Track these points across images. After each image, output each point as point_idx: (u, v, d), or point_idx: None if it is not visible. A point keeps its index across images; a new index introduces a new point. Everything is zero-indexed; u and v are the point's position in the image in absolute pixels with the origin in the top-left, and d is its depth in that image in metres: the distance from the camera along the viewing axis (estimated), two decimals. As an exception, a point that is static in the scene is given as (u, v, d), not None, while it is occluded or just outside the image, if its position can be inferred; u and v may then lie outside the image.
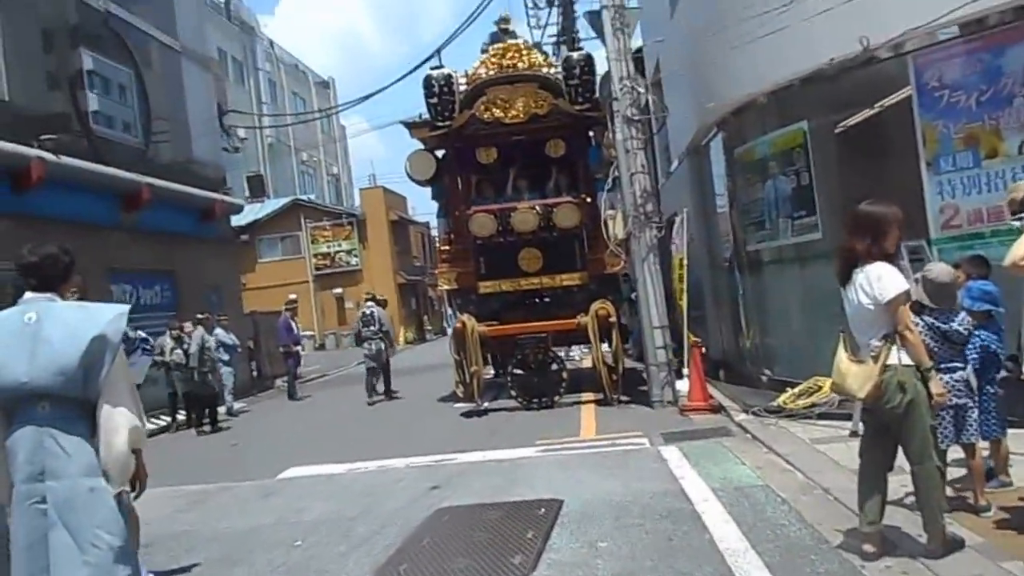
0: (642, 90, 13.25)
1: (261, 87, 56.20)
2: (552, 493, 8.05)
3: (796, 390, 10.96)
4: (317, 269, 48.87)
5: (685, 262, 14.77)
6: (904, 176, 9.92)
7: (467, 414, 14.58)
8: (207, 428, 16.49)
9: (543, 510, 7.38)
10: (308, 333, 44.79)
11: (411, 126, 16.27)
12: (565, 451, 10.48)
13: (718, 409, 12.26)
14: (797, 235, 11.62)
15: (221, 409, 18.50)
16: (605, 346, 14.56)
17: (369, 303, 19.49)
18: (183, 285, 20.98)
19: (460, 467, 10.04)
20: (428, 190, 17.33)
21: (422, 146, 16.55)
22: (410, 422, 14.98)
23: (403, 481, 9.50)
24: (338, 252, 49.14)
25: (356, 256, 48.77)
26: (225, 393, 18.80)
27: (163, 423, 17.70)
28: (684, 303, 14.57)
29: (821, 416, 10.13)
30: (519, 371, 14.72)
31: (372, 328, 18.72)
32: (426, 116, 15.58)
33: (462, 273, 15.76)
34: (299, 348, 22.59)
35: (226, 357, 18.79)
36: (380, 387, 19.07)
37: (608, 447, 10.44)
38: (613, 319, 14.28)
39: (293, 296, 44.70)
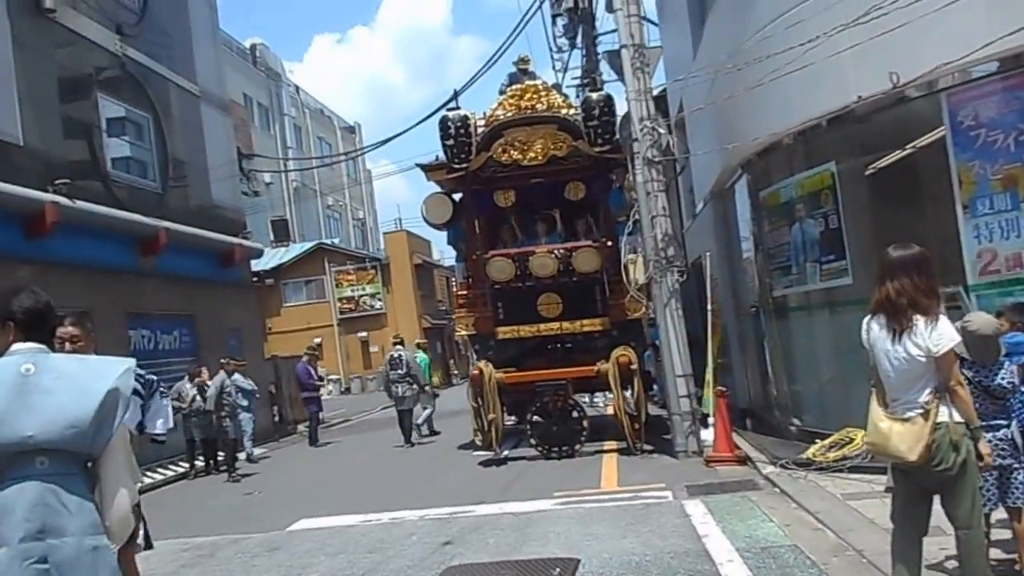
0: (663, 131, 12.95)
1: (287, 132, 56.83)
2: (568, 550, 7.66)
3: (826, 442, 10.48)
4: (342, 313, 48.90)
5: (710, 307, 14.40)
6: (939, 219, 9.50)
7: (485, 463, 14.17)
8: (231, 474, 16.18)
9: (557, 571, 6.96)
10: (333, 377, 44.81)
11: (427, 168, 15.95)
12: (584, 504, 10.03)
13: (744, 460, 11.79)
14: (826, 280, 11.15)
15: (241, 455, 18.33)
16: (628, 393, 14.16)
17: (397, 346, 19.20)
18: (203, 329, 20.76)
19: (475, 520, 9.62)
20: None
21: (439, 189, 16.32)
22: (428, 471, 14.59)
23: (415, 535, 9.11)
24: (362, 296, 49.14)
25: (380, 300, 48.74)
26: (244, 439, 18.54)
27: (182, 470, 17.45)
28: (711, 351, 14.18)
29: (853, 470, 9.64)
30: (538, 419, 14.28)
31: (399, 372, 18.46)
32: (443, 159, 15.29)
33: (480, 318, 15.46)
34: (320, 393, 22.24)
35: (245, 403, 18.55)
36: (425, 429, 19.25)
37: (629, 500, 9.99)
38: (635, 366, 13.88)
39: (318, 340, 45.17)
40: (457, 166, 14.96)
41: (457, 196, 16.22)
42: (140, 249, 18.31)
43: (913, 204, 10.34)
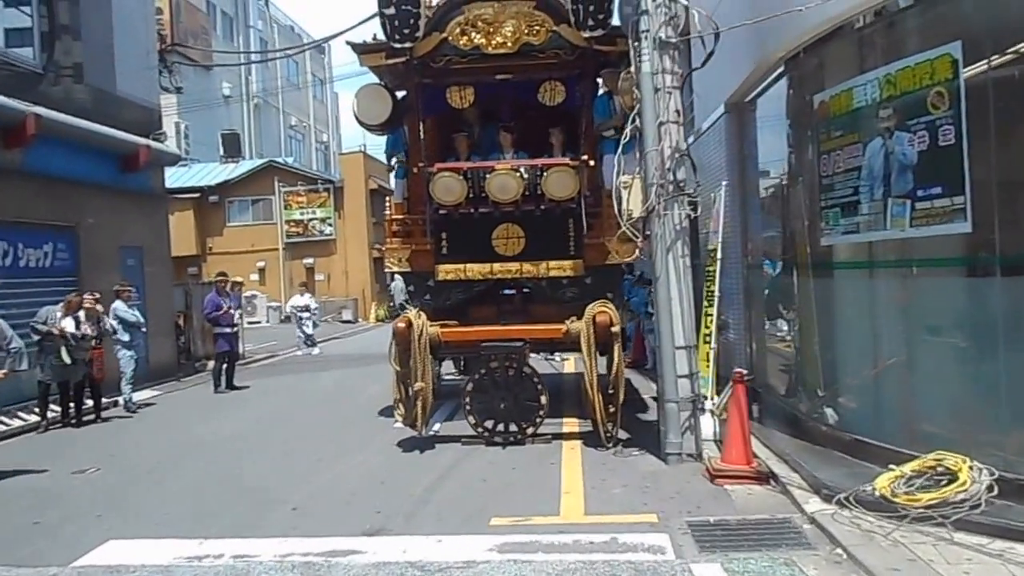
0: (684, 0, 9.13)
1: (252, 45, 54.92)
2: None
3: (907, 469, 6.87)
4: (288, 236, 45.44)
5: (719, 255, 10.85)
6: None
7: (406, 445, 10.62)
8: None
9: None
10: (273, 304, 42.28)
11: (361, 50, 12.02)
12: (534, 556, 6.32)
13: (766, 478, 8.25)
14: (921, 225, 7.36)
15: (120, 400, 15.25)
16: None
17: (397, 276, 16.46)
18: (88, 246, 16.79)
19: (356, 576, 5.96)
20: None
21: (377, 81, 12.46)
22: (326, 451, 10.77)
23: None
24: (312, 220, 45.88)
25: (331, 225, 45.40)
26: (123, 382, 15.13)
27: (34, 419, 13.76)
28: (713, 312, 10.64)
29: (959, 526, 6.13)
30: (480, 391, 10.70)
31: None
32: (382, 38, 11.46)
33: (416, 251, 11.83)
34: (234, 329, 18.36)
35: (126, 337, 15.08)
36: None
37: (604, 553, 6.30)
38: (616, 328, 10.27)
39: (261, 264, 41.83)
40: (398, 46, 11.15)
41: (401, 94, 12.40)
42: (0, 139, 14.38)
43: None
